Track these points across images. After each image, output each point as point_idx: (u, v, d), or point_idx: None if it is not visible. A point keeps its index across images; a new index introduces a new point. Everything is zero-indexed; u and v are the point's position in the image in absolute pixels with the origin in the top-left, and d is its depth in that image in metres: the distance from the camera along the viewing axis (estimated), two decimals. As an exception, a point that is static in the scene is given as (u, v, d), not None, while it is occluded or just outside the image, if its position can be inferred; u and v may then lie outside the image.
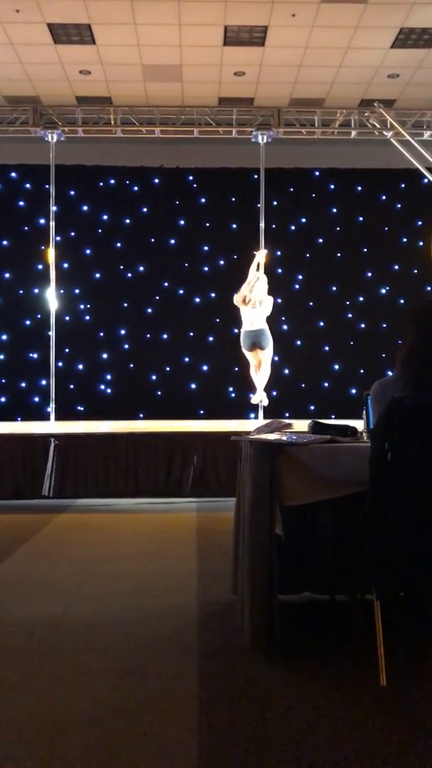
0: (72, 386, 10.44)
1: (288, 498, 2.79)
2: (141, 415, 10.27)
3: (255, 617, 2.84)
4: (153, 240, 10.80)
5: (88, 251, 10.75)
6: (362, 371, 10.58)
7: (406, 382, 2.58)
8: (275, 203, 10.42)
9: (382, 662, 2.48)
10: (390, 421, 2.43)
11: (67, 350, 10.40)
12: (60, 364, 10.15)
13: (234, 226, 10.58)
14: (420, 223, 10.91)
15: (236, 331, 9.83)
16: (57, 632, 3.07)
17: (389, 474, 2.44)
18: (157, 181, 10.80)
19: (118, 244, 10.76)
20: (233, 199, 10.77)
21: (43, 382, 10.22)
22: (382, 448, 2.45)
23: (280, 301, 10.45)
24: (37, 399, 10.39)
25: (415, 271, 10.90)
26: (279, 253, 10.43)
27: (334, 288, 10.85)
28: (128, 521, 5.87)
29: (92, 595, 3.62)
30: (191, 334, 10.76)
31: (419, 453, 2.42)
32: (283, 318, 10.51)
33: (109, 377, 10.64)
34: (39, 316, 10.36)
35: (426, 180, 9.95)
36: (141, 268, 10.79)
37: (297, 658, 2.76)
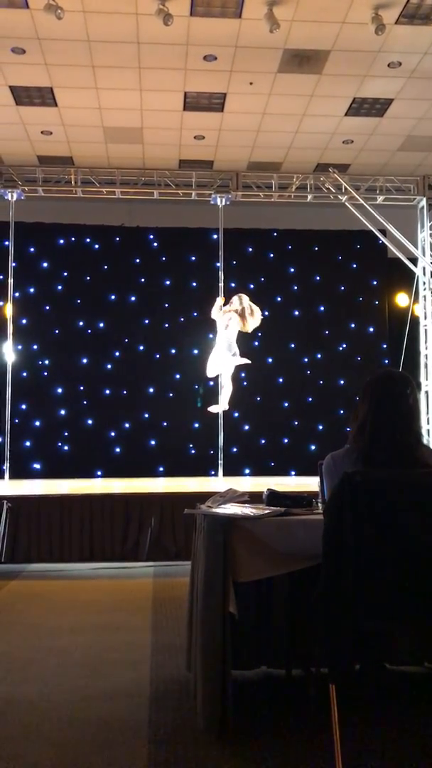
0: (28, 444, 10.24)
1: (242, 574, 2.72)
2: (99, 473, 10.10)
3: (208, 699, 2.73)
4: (113, 297, 10.83)
5: (47, 307, 10.72)
6: (321, 427, 10.64)
7: (357, 456, 2.57)
8: (234, 263, 10.58)
9: (338, 751, 2.39)
10: (342, 496, 2.40)
11: (23, 407, 10.24)
12: (16, 420, 9.97)
13: (194, 284, 10.68)
14: (375, 282, 11.17)
15: (197, 386, 9.83)
16: None
17: (342, 550, 2.40)
18: (117, 239, 10.89)
19: (78, 301, 10.75)
20: (193, 259, 10.90)
21: (-2, 440, 10.03)
22: (335, 524, 2.41)
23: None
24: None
25: (371, 330, 11.10)
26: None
27: (293, 345, 10.97)
28: (82, 588, 5.69)
29: (40, 674, 3.46)
30: (151, 390, 10.72)
31: (371, 529, 2.39)
32: (243, 374, 10.55)
33: (66, 434, 10.48)
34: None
35: (380, 241, 10.21)
36: (101, 324, 10.77)
37: (251, 742, 2.65)
